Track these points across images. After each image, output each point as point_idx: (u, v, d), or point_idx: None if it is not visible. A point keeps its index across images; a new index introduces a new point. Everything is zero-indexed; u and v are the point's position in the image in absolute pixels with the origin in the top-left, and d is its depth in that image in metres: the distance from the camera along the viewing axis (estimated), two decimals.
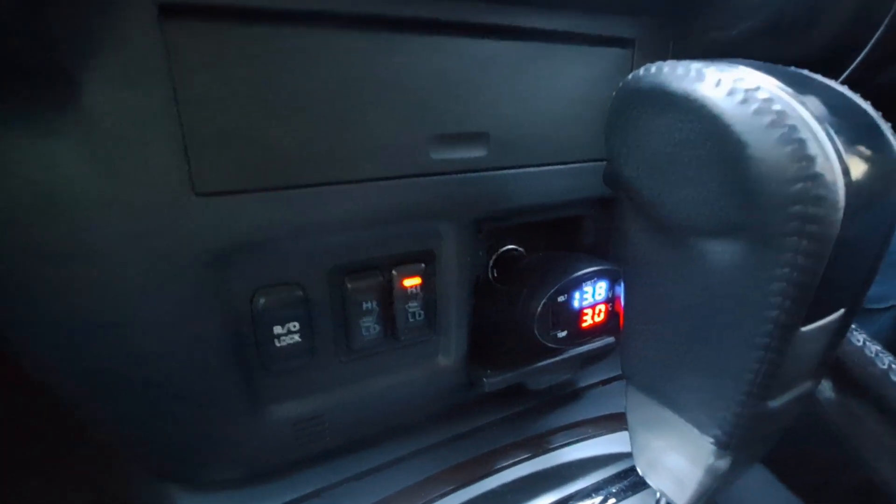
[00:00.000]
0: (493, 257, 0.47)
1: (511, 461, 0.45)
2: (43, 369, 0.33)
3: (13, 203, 0.26)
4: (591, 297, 0.42)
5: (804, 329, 0.23)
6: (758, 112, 0.19)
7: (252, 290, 0.33)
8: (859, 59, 0.41)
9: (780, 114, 0.19)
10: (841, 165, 0.20)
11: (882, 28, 0.39)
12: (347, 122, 0.32)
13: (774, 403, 0.25)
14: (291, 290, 0.34)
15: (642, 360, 0.30)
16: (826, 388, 0.44)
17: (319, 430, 0.40)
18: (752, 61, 0.23)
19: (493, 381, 0.43)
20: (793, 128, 0.19)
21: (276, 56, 0.29)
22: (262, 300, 0.33)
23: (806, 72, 0.25)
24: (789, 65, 0.25)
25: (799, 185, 0.19)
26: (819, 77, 0.25)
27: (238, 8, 0.27)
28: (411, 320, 0.39)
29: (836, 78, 0.25)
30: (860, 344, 0.41)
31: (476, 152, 0.37)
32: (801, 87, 0.22)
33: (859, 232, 0.22)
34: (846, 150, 0.20)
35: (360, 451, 0.45)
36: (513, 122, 0.38)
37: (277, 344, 0.35)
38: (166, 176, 0.28)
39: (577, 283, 0.41)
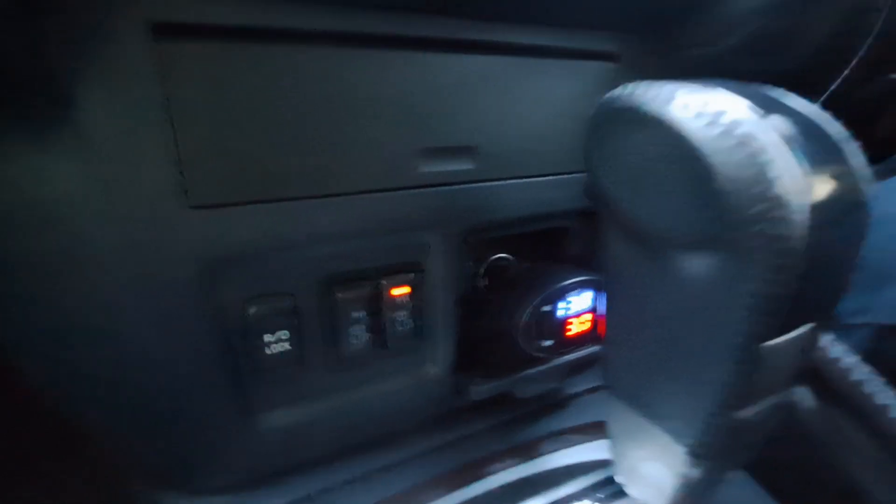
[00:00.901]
0: (484, 266, 0.48)
1: (498, 468, 0.46)
2: (37, 378, 0.33)
3: (7, 215, 0.27)
4: (576, 307, 0.43)
5: (774, 342, 0.24)
6: (723, 134, 0.20)
7: (243, 299, 0.34)
8: (843, 74, 0.42)
9: (746, 136, 0.20)
10: (805, 185, 0.21)
11: (866, 45, 0.40)
12: (337, 136, 0.32)
13: (746, 414, 0.26)
14: (282, 300, 0.35)
15: (622, 369, 0.31)
16: (806, 398, 0.44)
17: (310, 438, 0.41)
18: (727, 81, 0.24)
19: (481, 389, 0.44)
20: (757, 150, 0.20)
21: (266, 72, 0.29)
22: (252, 309, 0.34)
23: (779, 91, 0.26)
24: (773, 80, 0.26)
25: (762, 206, 0.20)
26: (792, 96, 0.25)
27: (229, 27, 0.28)
28: (399, 329, 0.40)
29: (818, 93, 0.25)
30: (838, 355, 0.42)
31: (464, 165, 0.37)
32: (770, 107, 0.23)
33: (826, 249, 0.23)
34: (811, 170, 0.21)
35: (350, 458, 0.46)
36: (500, 135, 0.38)
37: (267, 352, 0.35)
38: (161, 189, 0.28)
39: (561, 294, 0.41)
